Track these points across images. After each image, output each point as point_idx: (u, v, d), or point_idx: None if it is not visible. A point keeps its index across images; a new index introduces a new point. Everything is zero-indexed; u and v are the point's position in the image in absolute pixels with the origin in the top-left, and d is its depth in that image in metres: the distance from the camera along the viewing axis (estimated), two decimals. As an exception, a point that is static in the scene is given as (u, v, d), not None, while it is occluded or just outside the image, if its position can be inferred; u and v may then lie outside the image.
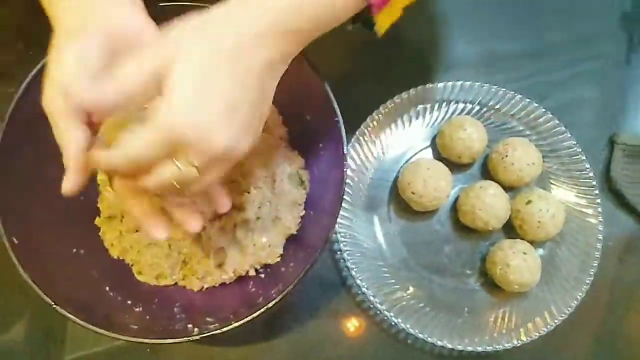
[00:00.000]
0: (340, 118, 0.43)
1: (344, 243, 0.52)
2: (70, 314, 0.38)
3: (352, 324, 0.54)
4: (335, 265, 0.55)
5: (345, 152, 0.43)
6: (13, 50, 0.61)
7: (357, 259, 0.52)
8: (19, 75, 0.42)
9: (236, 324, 0.39)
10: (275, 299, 0.40)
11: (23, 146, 0.44)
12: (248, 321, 0.40)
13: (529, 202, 0.52)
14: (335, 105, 0.43)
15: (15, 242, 0.40)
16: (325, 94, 0.44)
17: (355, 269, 0.51)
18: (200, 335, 0.39)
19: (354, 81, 0.59)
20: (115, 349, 0.52)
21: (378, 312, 0.52)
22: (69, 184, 0.33)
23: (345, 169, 0.43)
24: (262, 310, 0.40)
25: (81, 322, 0.38)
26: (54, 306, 0.38)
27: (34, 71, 0.42)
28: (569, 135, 0.57)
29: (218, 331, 0.39)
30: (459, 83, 0.57)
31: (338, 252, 0.54)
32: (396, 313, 0.51)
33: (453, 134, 0.54)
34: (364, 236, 0.54)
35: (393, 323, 0.51)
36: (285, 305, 0.54)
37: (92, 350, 0.52)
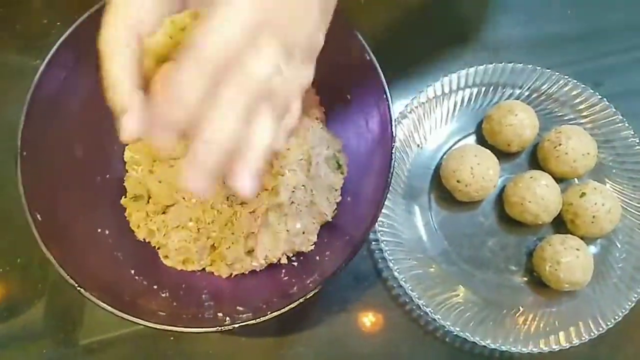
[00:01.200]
0: (389, 96, 0.40)
1: (382, 233, 0.49)
2: (95, 297, 0.36)
3: (387, 319, 0.51)
4: (371, 256, 0.52)
5: (393, 135, 0.39)
6: (38, 23, 0.59)
7: (394, 250, 0.49)
8: (44, 47, 0.40)
9: (271, 315, 0.36)
10: (312, 289, 0.37)
11: (48, 121, 0.41)
12: (283, 312, 0.37)
13: (583, 194, 0.49)
14: (384, 82, 0.40)
15: (39, 218, 0.37)
16: (373, 70, 0.41)
17: (392, 261, 0.48)
18: (233, 325, 0.36)
19: (398, 62, 0.55)
20: (133, 333, 0.49)
21: (415, 307, 0.49)
22: (133, 123, 0.26)
23: (392, 154, 0.39)
24: (299, 301, 0.37)
25: (106, 306, 0.35)
26: (78, 288, 0.35)
27: (58, 43, 0.40)
28: (626, 125, 0.53)
29: (252, 321, 0.36)
30: (509, 65, 0.53)
31: (374, 242, 0.51)
32: (435, 309, 0.47)
33: (502, 119, 0.50)
34: (402, 226, 0.51)
35: (431, 319, 0.48)
36: (317, 296, 0.51)
37: (113, 334, 0.50)
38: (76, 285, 0.36)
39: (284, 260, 0.46)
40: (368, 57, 0.41)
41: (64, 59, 0.41)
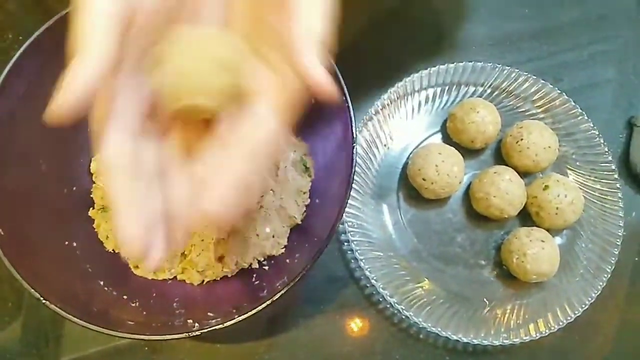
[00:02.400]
0: (349, 100, 0.40)
1: (352, 233, 0.49)
2: (60, 308, 0.36)
3: (361, 318, 0.51)
4: (343, 257, 0.52)
5: (354, 136, 0.40)
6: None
7: (365, 250, 0.49)
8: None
9: (239, 319, 0.36)
10: (280, 291, 0.37)
11: (8, 136, 0.41)
12: (251, 315, 0.37)
13: (546, 187, 0.50)
14: (344, 87, 0.41)
15: (2, 233, 0.37)
16: (332, 74, 0.41)
17: (363, 260, 0.48)
18: (201, 331, 0.36)
19: (360, 63, 0.56)
20: (112, 349, 0.49)
21: (388, 305, 0.50)
22: (63, 102, 0.23)
23: (354, 155, 0.40)
24: (266, 304, 0.37)
25: (72, 318, 0.35)
26: (43, 301, 0.35)
27: (15, 57, 0.39)
28: (586, 118, 0.54)
29: (220, 326, 0.36)
30: (470, 64, 0.54)
31: (345, 243, 0.52)
32: (407, 306, 0.48)
33: (465, 117, 0.51)
34: (372, 226, 0.51)
35: (404, 317, 0.48)
36: (291, 299, 0.51)
37: (90, 351, 0.49)
38: (41, 297, 0.35)
39: (255, 265, 0.46)
40: (329, 64, 0.41)
41: (25, 72, 0.41)
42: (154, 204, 0.26)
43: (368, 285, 0.50)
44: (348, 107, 0.41)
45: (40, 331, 0.50)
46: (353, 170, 0.40)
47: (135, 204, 0.25)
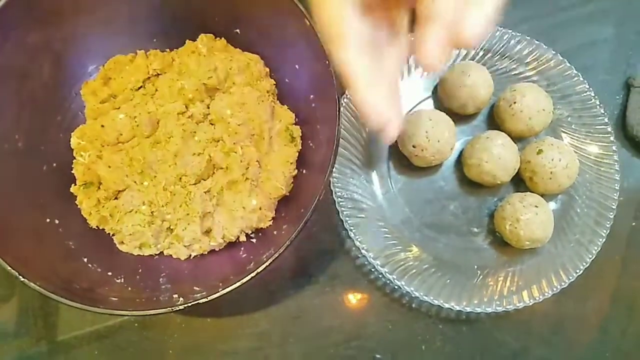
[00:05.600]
0: (330, 62, 0.39)
1: (342, 204, 0.48)
2: (41, 287, 0.35)
3: (353, 289, 0.50)
4: (333, 227, 0.51)
5: (337, 99, 0.39)
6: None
7: (356, 220, 0.48)
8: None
9: (223, 292, 0.36)
10: (264, 262, 0.36)
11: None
12: (237, 288, 0.36)
13: (539, 151, 0.48)
14: (326, 50, 0.39)
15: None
16: (316, 40, 0.39)
17: (354, 230, 0.48)
18: (185, 305, 0.35)
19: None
20: (105, 328, 0.49)
21: (380, 275, 0.49)
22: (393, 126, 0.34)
23: (337, 120, 0.39)
24: (251, 275, 0.36)
25: (53, 296, 0.35)
26: (22, 279, 0.35)
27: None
28: (582, 79, 0.52)
29: (203, 300, 0.35)
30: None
31: (336, 214, 0.51)
32: (399, 276, 0.47)
33: (456, 82, 0.50)
34: (362, 196, 0.50)
35: (396, 287, 0.48)
36: (282, 271, 0.50)
37: (84, 330, 0.49)
38: (19, 275, 0.35)
39: (243, 238, 0.45)
40: (308, 23, 0.40)
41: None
42: (385, 76, 0.32)
43: (359, 255, 0.50)
44: (330, 71, 0.39)
45: (34, 312, 0.50)
46: (338, 136, 0.38)
47: (372, 78, 0.31)
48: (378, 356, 0.49)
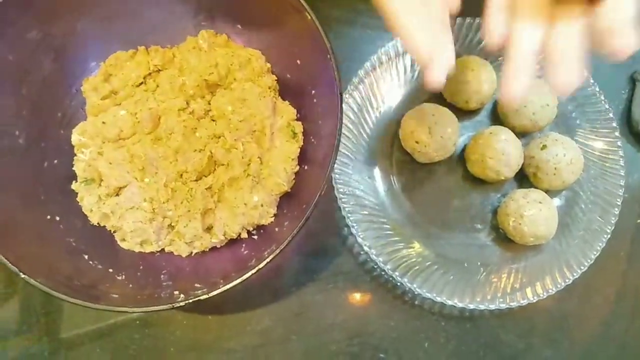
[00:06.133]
0: (332, 57, 0.39)
1: (344, 200, 0.48)
2: (42, 283, 0.35)
3: (355, 286, 0.50)
4: (336, 224, 0.51)
5: (339, 94, 0.38)
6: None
7: (358, 216, 0.48)
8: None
9: (223, 288, 0.35)
10: (265, 259, 0.36)
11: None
12: (238, 285, 0.36)
13: (543, 147, 0.48)
14: (328, 44, 0.39)
15: (-23, 208, 0.36)
16: (316, 34, 0.39)
17: (356, 227, 0.47)
18: (185, 302, 0.35)
19: (350, 22, 0.53)
20: (107, 326, 0.49)
21: (382, 272, 0.49)
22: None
23: (339, 115, 0.38)
24: (252, 272, 0.36)
25: (53, 292, 0.35)
26: (22, 275, 0.34)
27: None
28: (586, 73, 0.52)
29: (204, 296, 0.35)
30: (463, 21, 0.52)
31: (338, 211, 0.50)
32: (402, 273, 0.47)
33: (459, 77, 0.49)
34: (365, 192, 0.50)
35: (399, 284, 0.47)
36: (284, 269, 0.50)
37: (86, 328, 0.49)
38: (19, 272, 0.35)
39: (245, 235, 0.45)
40: (310, 18, 0.39)
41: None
42: (432, 12, 0.32)
43: (362, 252, 0.49)
44: (331, 65, 0.39)
45: (36, 310, 0.50)
46: (339, 132, 0.38)
47: (415, 13, 0.31)
48: (381, 355, 0.49)
